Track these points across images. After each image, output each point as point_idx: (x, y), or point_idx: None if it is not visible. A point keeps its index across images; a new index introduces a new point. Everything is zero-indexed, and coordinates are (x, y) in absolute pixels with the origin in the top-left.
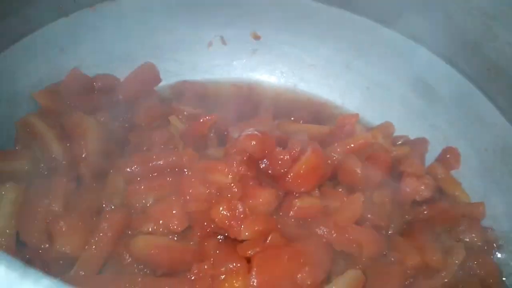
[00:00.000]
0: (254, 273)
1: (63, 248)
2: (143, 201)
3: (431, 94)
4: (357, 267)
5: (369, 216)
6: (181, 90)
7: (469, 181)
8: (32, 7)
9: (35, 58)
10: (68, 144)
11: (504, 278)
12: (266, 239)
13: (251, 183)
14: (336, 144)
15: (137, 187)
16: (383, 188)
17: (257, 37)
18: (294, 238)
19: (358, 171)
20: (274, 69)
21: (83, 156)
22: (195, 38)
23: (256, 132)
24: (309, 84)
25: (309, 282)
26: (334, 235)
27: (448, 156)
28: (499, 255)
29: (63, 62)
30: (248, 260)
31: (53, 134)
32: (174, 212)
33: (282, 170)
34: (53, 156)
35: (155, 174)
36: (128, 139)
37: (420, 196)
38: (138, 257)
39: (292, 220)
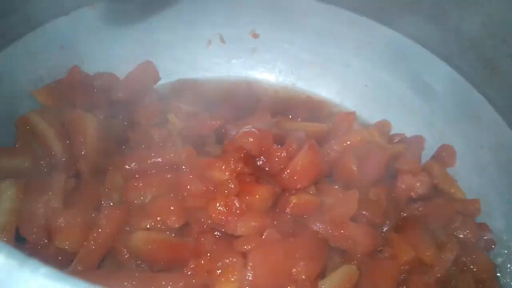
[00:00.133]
0: (249, 268)
1: (62, 244)
2: (142, 198)
3: (428, 92)
4: (352, 262)
5: (364, 212)
6: (180, 88)
7: (465, 179)
8: (33, 5)
9: (35, 56)
10: (67, 142)
11: (498, 274)
12: (262, 235)
13: (248, 179)
14: (333, 142)
15: (136, 184)
16: (379, 185)
17: (255, 36)
18: (290, 234)
19: (354, 168)
20: (272, 67)
21: (83, 153)
22: (194, 36)
23: (253, 130)
24: (308, 82)
25: (303, 277)
26: (330, 231)
27: (444, 153)
28: (493, 251)
29: (63, 60)
30: (244, 255)
31: (53, 132)
32: (172, 208)
33: (279, 167)
34: (52, 153)
35: (154, 171)
36: (127, 136)
37: (416, 193)
38: (136, 253)
39: (289, 216)
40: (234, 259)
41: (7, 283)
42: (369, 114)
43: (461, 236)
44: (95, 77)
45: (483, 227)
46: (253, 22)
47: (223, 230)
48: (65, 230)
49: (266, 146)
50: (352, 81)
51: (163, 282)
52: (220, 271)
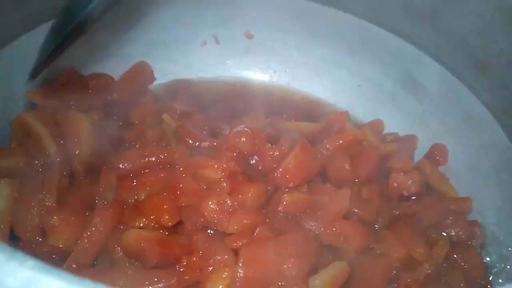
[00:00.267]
0: (241, 265)
1: (56, 242)
2: (135, 197)
3: (420, 92)
4: (344, 260)
5: (356, 210)
6: (175, 89)
7: (457, 177)
8: (27, 7)
9: (30, 57)
10: (62, 142)
11: (489, 272)
12: (254, 232)
13: (240, 178)
14: (325, 141)
15: (129, 183)
16: (371, 184)
17: (250, 36)
18: (282, 232)
19: (347, 167)
20: (267, 68)
21: (77, 153)
22: (189, 37)
23: (245, 129)
24: (302, 83)
25: (294, 273)
26: (322, 229)
27: (436, 152)
28: (484, 249)
29: (58, 61)
30: (236, 252)
31: (47, 132)
32: (165, 207)
33: (271, 166)
34: (47, 153)
35: (147, 170)
36: (121, 136)
37: (407, 191)
38: (129, 251)
39: (281, 214)
40: (226, 256)
41: None
42: (363, 113)
43: (453, 233)
44: (90, 78)
45: (474, 224)
46: (248, 23)
47: (215, 228)
48: (59, 228)
49: (258, 145)
50: (346, 81)
51: (156, 279)
52: (211, 268)
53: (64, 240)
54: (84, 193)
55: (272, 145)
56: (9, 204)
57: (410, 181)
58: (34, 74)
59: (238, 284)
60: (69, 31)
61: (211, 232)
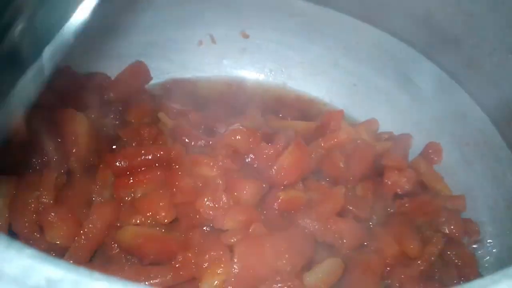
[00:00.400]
0: (236, 260)
1: (54, 239)
2: (132, 194)
3: (415, 91)
4: (338, 256)
5: (351, 208)
6: (172, 88)
7: (451, 175)
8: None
9: None
10: (59, 140)
11: (480, 268)
12: (249, 229)
13: (235, 176)
14: (320, 139)
15: (126, 180)
16: (365, 182)
17: (246, 36)
18: (277, 229)
19: (341, 165)
20: (263, 67)
21: (74, 151)
22: (186, 37)
23: (241, 128)
24: (298, 82)
25: (288, 269)
26: (316, 226)
27: (430, 151)
28: (476, 246)
29: None
30: (231, 249)
31: (44, 131)
32: (161, 204)
33: (267, 164)
34: (44, 151)
35: (144, 168)
36: (118, 135)
37: (401, 189)
38: (126, 247)
39: (276, 212)
40: (221, 252)
41: None
42: (357, 112)
43: (447, 231)
44: (87, 77)
45: (468, 222)
46: (243, 23)
47: (211, 224)
48: (56, 225)
49: (254, 143)
50: (341, 81)
51: (152, 275)
52: (207, 264)
53: (61, 237)
54: (81, 190)
55: (267, 143)
56: (7, 201)
57: (404, 179)
58: None
59: (233, 279)
60: None
61: (207, 229)
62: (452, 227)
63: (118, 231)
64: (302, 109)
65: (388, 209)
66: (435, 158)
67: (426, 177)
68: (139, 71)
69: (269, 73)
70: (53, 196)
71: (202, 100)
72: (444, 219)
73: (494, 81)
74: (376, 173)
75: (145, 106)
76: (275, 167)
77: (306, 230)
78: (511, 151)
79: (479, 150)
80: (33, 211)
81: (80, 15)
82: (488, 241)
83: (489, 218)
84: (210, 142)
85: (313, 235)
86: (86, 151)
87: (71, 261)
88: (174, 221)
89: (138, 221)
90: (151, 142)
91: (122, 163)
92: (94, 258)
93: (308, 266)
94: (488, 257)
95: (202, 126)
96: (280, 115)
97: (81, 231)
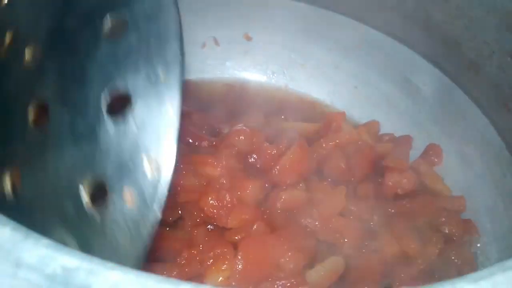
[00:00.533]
0: (239, 257)
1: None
2: None
3: (415, 93)
4: (340, 255)
5: (352, 208)
6: None
7: (451, 176)
8: None
9: None
10: None
11: (479, 268)
12: (252, 227)
13: (239, 175)
14: (322, 140)
15: None
16: (366, 182)
17: (249, 38)
18: (280, 227)
19: (343, 165)
20: (265, 69)
21: None
22: (189, 39)
23: (244, 128)
24: (300, 84)
25: (291, 266)
26: (318, 225)
27: (431, 152)
28: (476, 246)
29: None
30: (235, 246)
31: None
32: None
33: (269, 164)
34: None
35: None
36: None
37: (402, 189)
38: None
39: (278, 211)
40: (225, 249)
41: (13, 253)
42: (359, 114)
43: (447, 231)
44: None
45: (468, 222)
46: (246, 25)
47: (215, 223)
48: None
49: (257, 143)
50: (342, 83)
51: (157, 272)
52: (211, 260)
53: None
54: None
55: (270, 144)
56: None
57: (405, 180)
58: None
59: (237, 276)
60: None
61: (211, 227)
62: (451, 227)
63: None
64: (304, 110)
65: (389, 209)
66: (436, 160)
67: (426, 178)
68: None
69: (271, 75)
70: None
71: (205, 101)
72: (444, 219)
73: (494, 83)
74: (377, 174)
75: None
76: (277, 167)
77: (308, 229)
78: (510, 153)
79: (479, 151)
80: None
81: None
82: (488, 241)
83: (489, 219)
84: (214, 143)
85: (315, 234)
86: None
87: None
88: (178, 220)
89: None
90: None
91: None
92: None
93: (310, 264)
94: (488, 257)
95: (205, 127)
96: (282, 116)
97: None
